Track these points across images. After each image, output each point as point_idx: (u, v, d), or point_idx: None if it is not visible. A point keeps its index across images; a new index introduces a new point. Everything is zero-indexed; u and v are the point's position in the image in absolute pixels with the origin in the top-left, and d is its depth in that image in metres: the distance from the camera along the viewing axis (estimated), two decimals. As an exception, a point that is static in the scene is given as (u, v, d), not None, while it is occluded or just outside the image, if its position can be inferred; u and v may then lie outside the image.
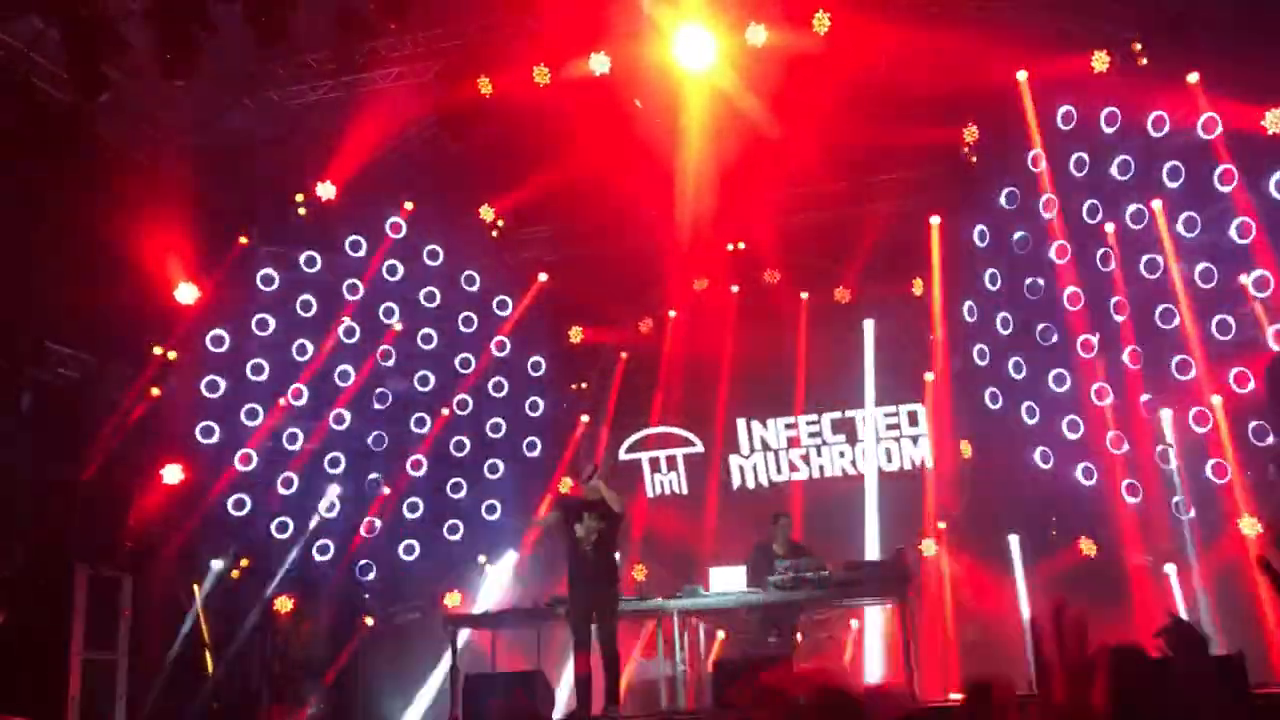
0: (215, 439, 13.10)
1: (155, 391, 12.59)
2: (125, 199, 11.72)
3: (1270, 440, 10.85)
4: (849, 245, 14.28)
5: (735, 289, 14.93)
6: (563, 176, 12.66)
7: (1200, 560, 11.25)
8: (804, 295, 14.75)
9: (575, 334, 15.43)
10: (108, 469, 11.84)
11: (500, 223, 14.49)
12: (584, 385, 15.57)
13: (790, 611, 10.82)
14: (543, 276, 15.18)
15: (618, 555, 9.92)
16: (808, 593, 10.23)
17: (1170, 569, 11.50)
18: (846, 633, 12.39)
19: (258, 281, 13.69)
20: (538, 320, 15.24)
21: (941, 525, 13.30)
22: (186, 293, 12.87)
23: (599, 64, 11.82)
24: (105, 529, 11.62)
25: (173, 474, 12.45)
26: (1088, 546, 12.09)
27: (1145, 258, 12.01)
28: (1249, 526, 10.84)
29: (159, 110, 12.36)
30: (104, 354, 12.38)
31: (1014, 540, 12.59)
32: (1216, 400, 11.31)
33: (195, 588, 12.40)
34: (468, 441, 14.62)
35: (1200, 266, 11.57)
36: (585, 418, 15.23)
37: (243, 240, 13.50)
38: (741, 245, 14.80)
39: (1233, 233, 11.23)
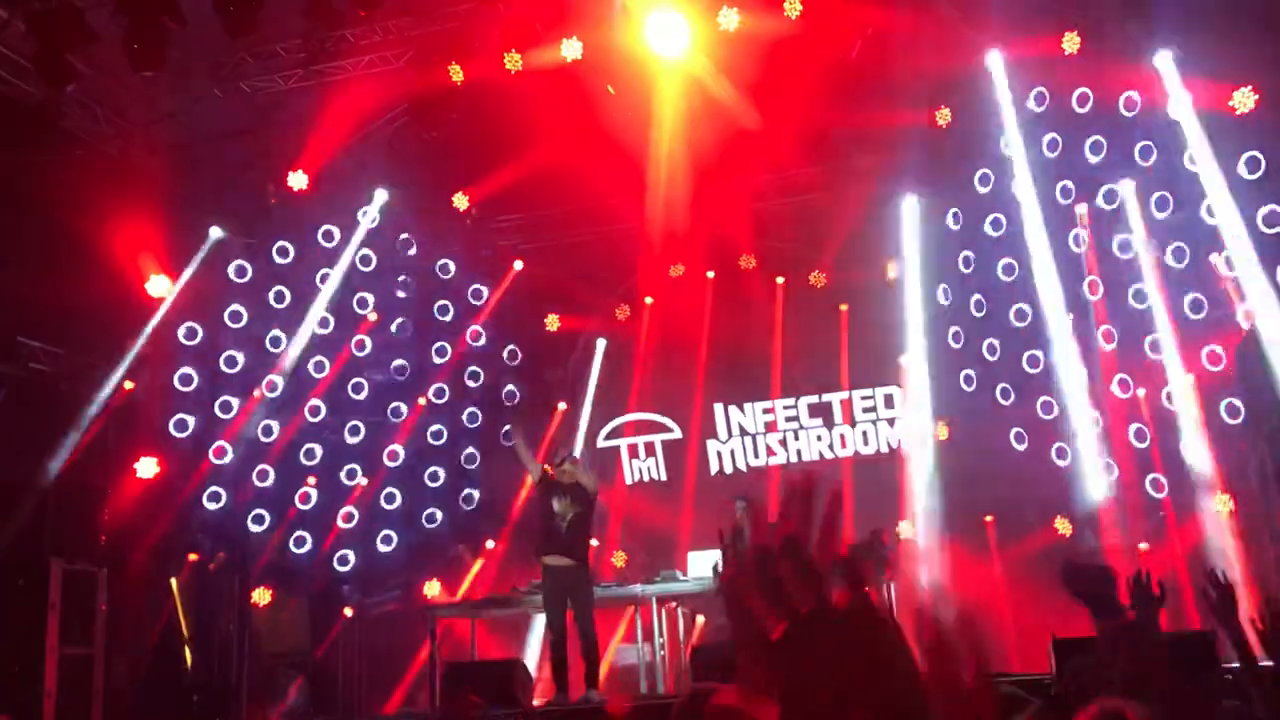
0: (189, 432, 13.02)
1: (128, 385, 12.50)
2: (95, 192, 11.58)
3: (1242, 418, 10.96)
4: (823, 229, 14.28)
5: (711, 275, 14.92)
6: (537, 163, 12.56)
7: (1173, 538, 11.36)
8: (779, 280, 14.78)
9: (552, 321, 15.36)
10: (82, 463, 11.75)
11: (474, 211, 14.41)
12: (561, 372, 15.54)
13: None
14: (518, 264, 15.13)
15: (595, 542, 9.93)
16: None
17: (1144, 547, 11.60)
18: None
19: (230, 273, 13.57)
20: (514, 308, 15.19)
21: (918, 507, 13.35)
22: (158, 285, 12.78)
23: (571, 50, 11.73)
24: (80, 523, 11.54)
25: (147, 467, 12.35)
26: (1063, 526, 12.16)
27: (1118, 238, 12.08)
28: (1221, 504, 10.96)
29: (128, 102, 12.24)
30: (76, 348, 12.28)
31: (989, 521, 12.69)
32: (1189, 379, 11.40)
33: (172, 581, 12.33)
34: (445, 430, 14.58)
35: (1172, 246, 11.65)
36: (563, 405, 15.21)
37: (214, 232, 13.40)
38: (717, 231, 14.78)
39: (1203, 212, 11.31)
